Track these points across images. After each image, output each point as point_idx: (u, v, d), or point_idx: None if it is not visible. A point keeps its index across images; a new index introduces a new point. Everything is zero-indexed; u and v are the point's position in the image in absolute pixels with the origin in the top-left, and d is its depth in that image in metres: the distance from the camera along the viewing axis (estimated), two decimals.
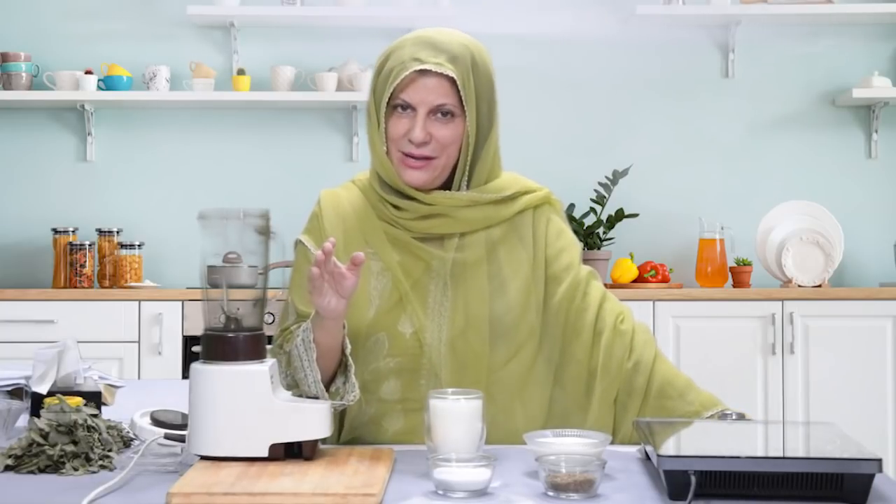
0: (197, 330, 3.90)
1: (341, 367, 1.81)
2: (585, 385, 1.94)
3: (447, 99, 1.87)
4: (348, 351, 1.80)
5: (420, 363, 1.88)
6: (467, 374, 1.88)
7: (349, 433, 1.92)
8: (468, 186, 1.93)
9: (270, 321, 3.88)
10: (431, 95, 1.86)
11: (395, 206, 1.92)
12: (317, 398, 1.64)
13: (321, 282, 1.70)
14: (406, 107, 1.88)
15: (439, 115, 1.88)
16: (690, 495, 1.35)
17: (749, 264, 4.29)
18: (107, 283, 4.32)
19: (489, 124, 1.92)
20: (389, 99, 1.88)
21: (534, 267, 1.96)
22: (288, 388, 1.78)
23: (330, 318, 1.74)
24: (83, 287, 4.25)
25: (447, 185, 1.94)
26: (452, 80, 1.87)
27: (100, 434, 1.58)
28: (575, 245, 2.03)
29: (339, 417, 1.97)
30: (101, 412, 1.77)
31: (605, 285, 2.13)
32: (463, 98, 1.87)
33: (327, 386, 1.81)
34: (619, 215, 4.33)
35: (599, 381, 1.93)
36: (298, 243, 1.99)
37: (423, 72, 1.86)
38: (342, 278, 1.70)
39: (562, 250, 1.99)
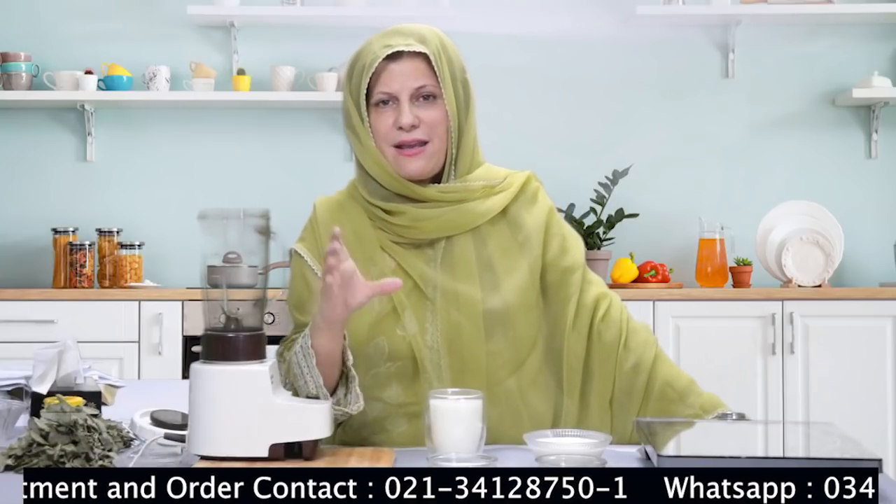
0: (197, 330, 3.90)
1: (342, 378, 1.75)
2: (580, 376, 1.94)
3: (426, 80, 1.88)
4: (350, 362, 1.73)
5: (420, 367, 1.87)
6: (467, 377, 1.87)
7: (353, 436, 1.92)
8: (455, 177, 1.93)
9: (270, 321, 3.88)
10: (409, 80, 1.87)
11: (387, 212, 1.91)
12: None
13: (332, 289, 1.64)
14: (387, 100, 1.88)
15: (420, 99, 1.88)
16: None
17: (749, 264, 4.29)
18: (107, 283, 4.32)
19: (466, 107, 1.92)
20: (369, 97, 1.88)
21: (531, 261, 1.95)
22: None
23: (329, 326, 1.68)
24: (83, 287, 4.25)
25: (437, 179, 1.93)
26: (427, 63, 1.88)
27: (100, 434, 1.58)
28: (573, 238, 2.02)
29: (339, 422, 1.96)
30: (101, 412, 1.77)
31: (606, 285, 2.13)
32: (439, 76, 1.88)
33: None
34: (619, 215, 4.33)
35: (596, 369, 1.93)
36: (293, 253, 1.95)
37: (396, 58, 1.87)
38: (354, 289, 1.65)
39: (564, 251, 1.98)
